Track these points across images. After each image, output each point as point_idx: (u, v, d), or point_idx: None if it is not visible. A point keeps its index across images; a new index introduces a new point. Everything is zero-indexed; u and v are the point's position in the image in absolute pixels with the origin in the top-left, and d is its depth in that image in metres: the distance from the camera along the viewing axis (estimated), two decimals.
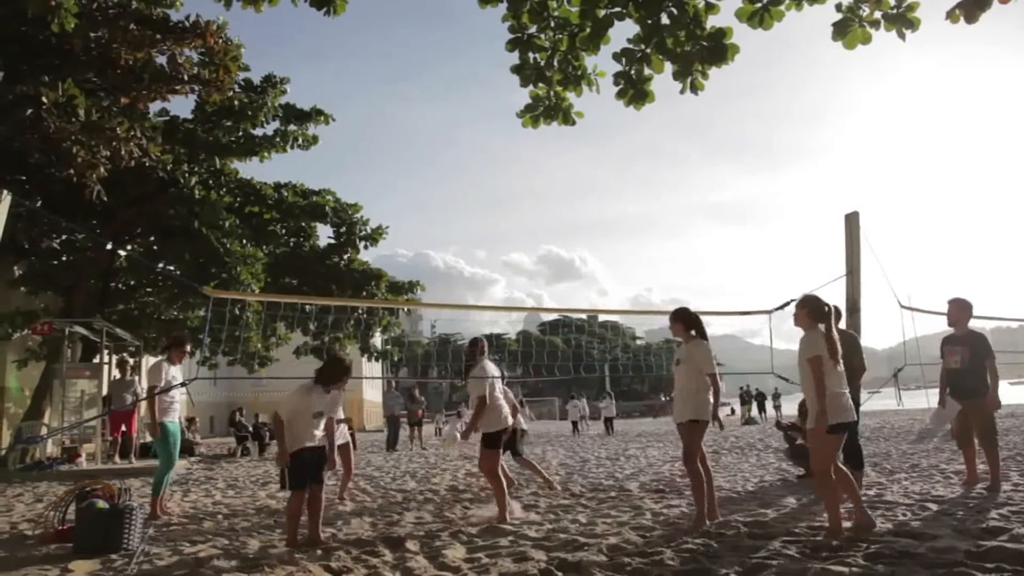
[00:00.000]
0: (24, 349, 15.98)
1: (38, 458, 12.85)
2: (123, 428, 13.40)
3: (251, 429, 18.26)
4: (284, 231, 18.97)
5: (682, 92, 5.21)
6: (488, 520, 5.94)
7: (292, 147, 16.44)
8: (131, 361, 14.96)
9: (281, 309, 16.49)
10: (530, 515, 6.18)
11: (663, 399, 76.29)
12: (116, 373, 14.10)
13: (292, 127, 16.45)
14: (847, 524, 4.77)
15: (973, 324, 6.93)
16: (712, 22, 5.03)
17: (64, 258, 16.13)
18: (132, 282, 17.52)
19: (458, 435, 9.30)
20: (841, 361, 4.77)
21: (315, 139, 16.80)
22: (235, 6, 5.47)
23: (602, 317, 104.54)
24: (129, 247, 17.25)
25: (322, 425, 5.34)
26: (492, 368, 6.35)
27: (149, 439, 16.06)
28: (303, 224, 18.91)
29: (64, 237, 15.89)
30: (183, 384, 7.05)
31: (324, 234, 19.31)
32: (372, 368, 30.84)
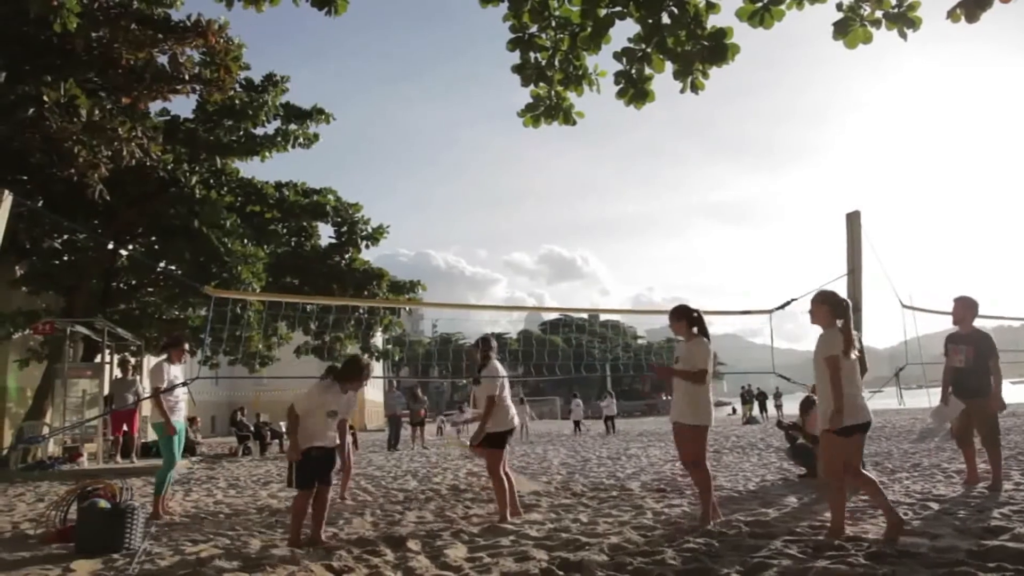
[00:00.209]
0: (26, 349, 15.99)
1: (40, 458, 12.87)
2: (124, 428, 13.42)
3: (252, 429, 18.28)
4: (285, 230, 18.97)
5: (682, 92, 5.21)
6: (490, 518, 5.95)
7: (293, 146, 16.44)
8: (132, 361, 14.98)
9: (282, 309, 16.50)
10: (532, 515, 6.19)
11: (664, 398, 76.27)
12: (117, 373, 14.11)
13: (293, 126, 16.46)
14: (851, 527, 4.76)
15: (975, 323, 6.92)
16: (713, 21, 5.04)
17: (65, 258, 16.14)
18: (133, 282, 17.54)
19: (458, 433, 9.32)
20: (857, 358, 4.66)
21: (316, 137, 16.80)
22: (236, 6, 5.48)
23: (603, 316, 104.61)
24: (130, 247, 17.26)
25: (335, 425, 5.34)
26: (501, 368, 6.36)
27: (150, 439, 16.11)
28: (304, 223, 18.90)
29: (65, 237, 15.90)
30: (184, 384, 7.08)
31: (325, 233, 19.35)
32: (373, 368, 30.95)
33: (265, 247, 17.47)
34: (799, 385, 8.81)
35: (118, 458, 13.12)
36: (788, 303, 8.46)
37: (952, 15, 4.63)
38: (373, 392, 53.45)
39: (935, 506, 5.69)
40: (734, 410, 42.29)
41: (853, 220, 7.87)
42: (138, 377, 14.34)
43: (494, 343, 6.46)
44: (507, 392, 6.31)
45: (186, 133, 15.31)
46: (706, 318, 5.64)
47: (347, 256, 18.84)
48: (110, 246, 16.06)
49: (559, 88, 5.71)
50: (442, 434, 27.53)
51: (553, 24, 5.39)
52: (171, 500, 7.72)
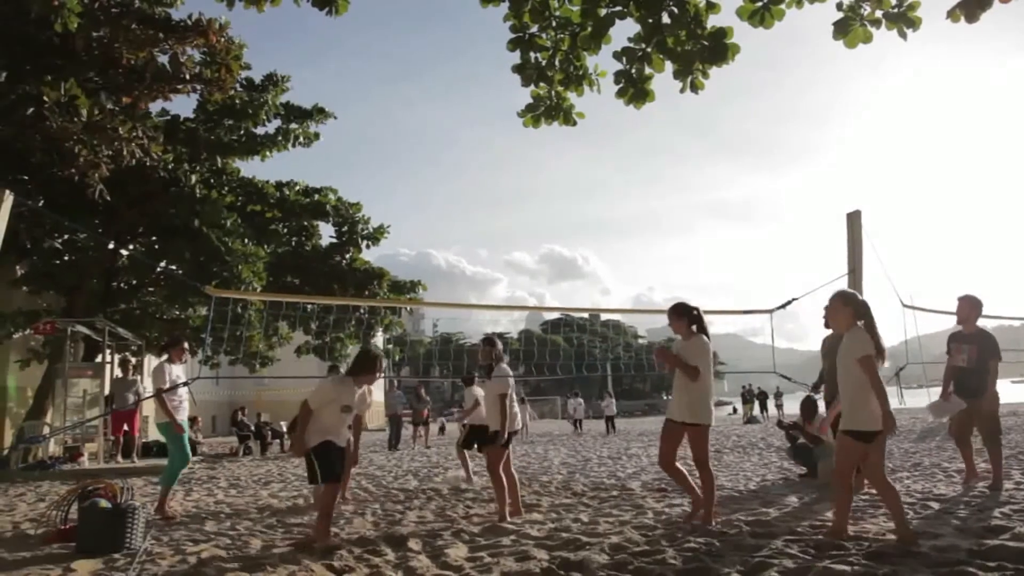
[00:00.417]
0: (26, 349, 16.00)
1: (40, 457, 12.87)
2: (125, 427, 13.43)
3: (253, 428, 18.29)
4: (286, 230, 18.96)
5: (682, 91, 5.21)
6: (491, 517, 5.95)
7: (293, 145, 16.47)
8: (133, 361, 14.99)
9: (283, 308, 16.51)
10: (532, 514, 6.19)
11: (664, 397, 76.26)
12: (118, 372, 14.12)
13: (293, 125, 16.47)
14: (851, 527, 4.75)
15: (978, 322, 6.91)
16: (713, 21, 5.04)
17: (66, 258, 16.14)
18: (134, 281, 17.54)
19: (461, 476, 9.30)
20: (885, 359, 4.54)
21: (316, 136, 16.82)
22: (237, 5, 5.48)
23: (604, 316, 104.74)
24: (131, 246, 17.26)
25: (349, 421, 5.31)
26: (508, 368, 6.36)
27: (151, 438, 16.11)
28: (305, 223, 18.90)
29: (66, 236, 15.90)
30: (185, 384, 7.10)
31: (326, 233, 19.36)
32: (384, 361, 30.99)
33: (266, 247, 17.47)
34: (800, 385, 8.82)
35: (119, 458, 13.13)
36: (788, 303, 8.47)
37: (952, 15, 4.63)
38: (374, 391, 53.32)
39: (936, 505, 5.69)
40: (735, 410, 42.29)
41: (854, 220, 7.88)
42: (139, 377, 14.35)
43: (499, 343, 6.46)
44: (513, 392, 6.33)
45: (187, 132, 15.32)
46: (706, 317, 5.59)
47: (348, 256, 18.84)
48: (111, 246, 16.07)
49: (559, 88, 5.71)
50: (444, 433, 27.55)
51: (553, 24, 5.39)
52: (171, 500, 7.73)
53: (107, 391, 14.04)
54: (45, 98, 10.59)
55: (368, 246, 19.06)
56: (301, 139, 16.58)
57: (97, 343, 14.75)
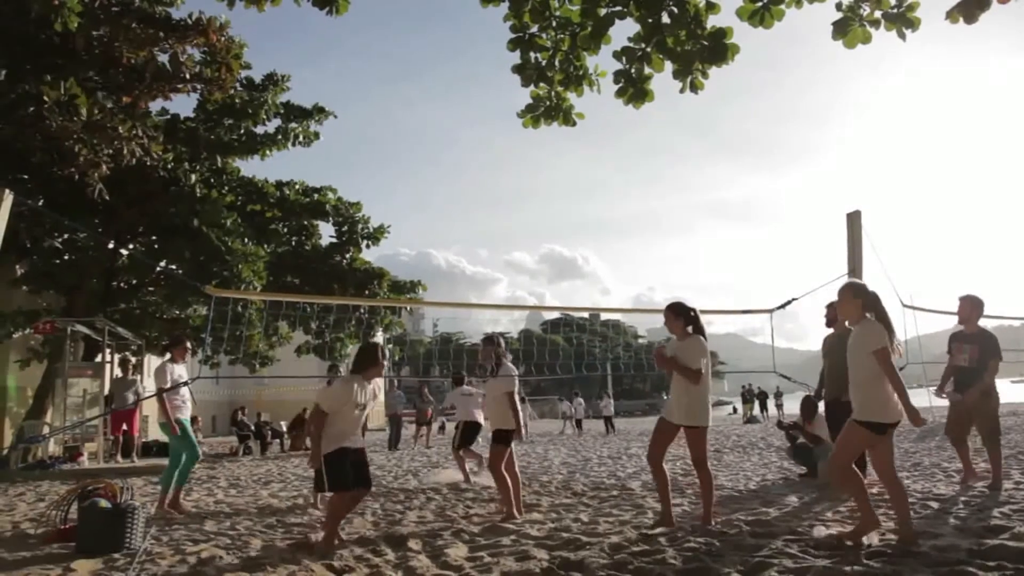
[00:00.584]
0: (26, 348, 15.99)
1: (40, 457, 12.87)
2: (124, 427, 13.43)
3: (253, 428, 18.28)
4: (286, 229, 18.95)
5: (682, 91, 5.20)
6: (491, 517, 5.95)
7: (293, 144, 16.47)
8: (133, 360, 14.98)
9: (283, 308, 16.50)
10: (532, 514, 6.19)
11: (664, 397, 76.29)
12: (118, 372, 14.12)
13: (293, 124, 16.47)
14: (850, 527, 4.75)
15: (980, 322, 6.91)
16: (713, 21, 5.04)
17: (66, 257, 16.14)
18: (134, 281, 17.53)
19: (456, 477, 9.27)
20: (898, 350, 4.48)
21: (316, 135, 16.82)
22: (238, 5, 5.49)
23: (604, 316, 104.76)
24: (131, 246, 17.26)
25: (362, 420, 5.24)
26: (512, 366, 6.37)
27: (151, 438, 16.11)
28: (305, 223, 18.89)
29: (66, 236, 15.89)
30: (186, 383, 7.12)
31: (326, 233, 19.35)
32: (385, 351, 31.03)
33: (266, 246, 17.46)
34: (800, 384, 8.82)
35: (119, 458, 13.13)
36: (788, 303, 8.47)
37: (950, 16, 4.63)
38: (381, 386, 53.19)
39: (935, 505, 5.70)
40: (735, 409, 42.30)
41: (853, 220, 7.87)
42: (138, 377, 14.34)
43: (501, 341, 6.46)
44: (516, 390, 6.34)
45: (187, 132, 15.32)
46: (706, 318, 5.55)
47: (348, 255, 18.83)
48: (111, 245, 16.05)
49: (559, 88, 5.70)
50: (443, 433, 27.53)
51: (553, 24, 5.38)
52: (184, 497, 7.74)
53: (107, 391, 14.03)
54: (45, 97, 10.59)
55: (368, 246, 19.06)
56: (301, 138, 16.57)
57: (97, 343, 14.74)
